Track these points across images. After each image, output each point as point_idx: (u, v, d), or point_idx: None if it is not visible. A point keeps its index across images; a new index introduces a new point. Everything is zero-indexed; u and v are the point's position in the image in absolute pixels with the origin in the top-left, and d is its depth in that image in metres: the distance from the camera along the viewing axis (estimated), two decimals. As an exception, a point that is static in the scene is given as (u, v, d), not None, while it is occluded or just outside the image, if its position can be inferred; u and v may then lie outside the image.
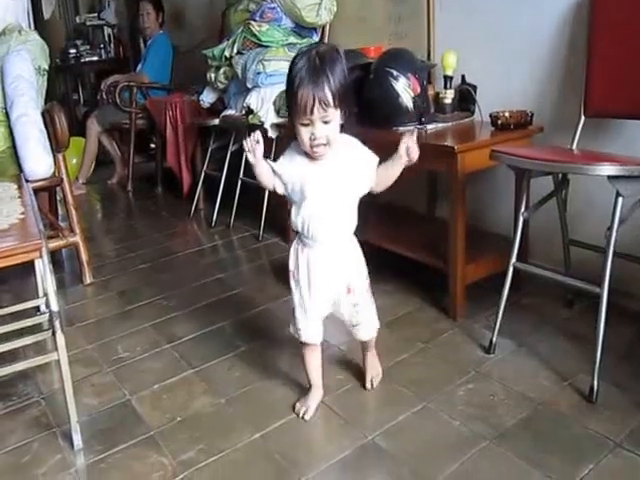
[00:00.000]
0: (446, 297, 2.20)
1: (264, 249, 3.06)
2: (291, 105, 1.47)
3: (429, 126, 2.28)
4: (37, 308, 2.27)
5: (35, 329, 1.96)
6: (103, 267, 3.01)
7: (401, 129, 2.29)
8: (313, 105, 1.41)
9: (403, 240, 2.41)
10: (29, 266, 2.39)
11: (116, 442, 1.68)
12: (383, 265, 2.48)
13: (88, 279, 2.84)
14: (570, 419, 1.63)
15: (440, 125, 2.31)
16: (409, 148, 1.50)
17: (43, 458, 1.65)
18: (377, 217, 2.66)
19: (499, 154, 1.79)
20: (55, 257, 2.97)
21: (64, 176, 2.79)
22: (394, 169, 1.55)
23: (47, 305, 2.03)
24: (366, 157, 1.56)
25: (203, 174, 3.65)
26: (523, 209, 1.88)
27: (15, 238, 1.63)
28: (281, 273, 2.65)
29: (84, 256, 2.83)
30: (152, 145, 4.73)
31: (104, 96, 4.58)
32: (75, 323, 2.42)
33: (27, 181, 2.46)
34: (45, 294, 2.16)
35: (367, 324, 1.71)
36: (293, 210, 1.60)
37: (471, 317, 2.16)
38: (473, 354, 1.96)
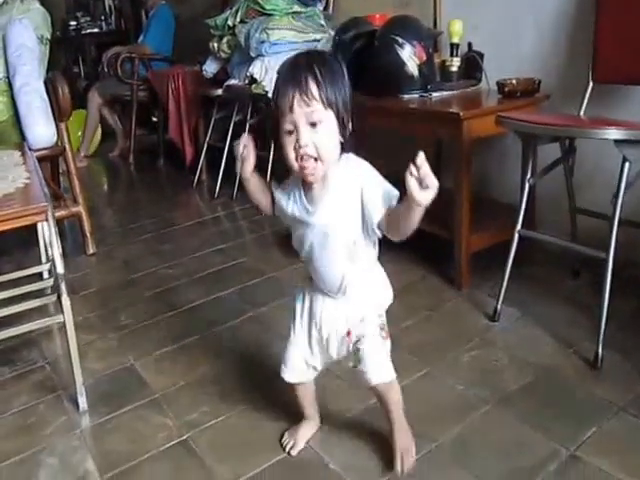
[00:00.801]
0: (451, 267, 2.20)
1: (268, 220, 3.04)
2: (274, 117, 1.17)
3: (434, 94, 2.26)
4: (40, 275, 2.27)
5: (39, 294, 1.97)
6: (106, 238, 3.01)
7: (406, 97, 2.27)
8: (292, 99, 1.11)
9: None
10: (31, 237, 2.40)
11: (121, 404, 1.68)
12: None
13: (91, 249, 2.84)
14: (574, 385, 1.63)
15: (446, 93, 2.28)
16: (422, 178, 1.10)
17: (49, 419, 1.66)
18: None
19: (505, 120, 1.78)
20: (58, 228, 2.97)
21: (67, 145, 2.78)
22: (409, 215, 1.16)
23: (51, 271, 2.04)
24: (373, 182, 1.20)
25: (206, 145, 3.64)
26: (529, 176, 1.87)
27: (21, 201, 1.63)
28: (285, 244, 2.65)
29: (87, 226, 2.83)
30: (154, 118, 4.70)
31: (105, 68, 4.55)
32: (79, 292, 2.42)
33: (30, 150, 2.45)
34: (49, 260, 2.17)
35: (372, 366, 1.31)
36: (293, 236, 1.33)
37: (476, 286, 2.15)
38: (478, 322, 1.96)
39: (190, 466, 1.45)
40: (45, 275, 2.26)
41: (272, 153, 3.01)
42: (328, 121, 1.14)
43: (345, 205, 1.20)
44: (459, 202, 2.07)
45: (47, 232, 2.20)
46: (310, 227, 1.24)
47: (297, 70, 1.14)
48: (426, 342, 1.86)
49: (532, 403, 1.57)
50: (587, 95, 2.01)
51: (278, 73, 1.18)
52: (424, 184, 1.10)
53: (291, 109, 1.12)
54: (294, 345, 1.37)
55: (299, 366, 1.38)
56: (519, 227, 1.89)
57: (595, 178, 2.13)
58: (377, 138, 3.03)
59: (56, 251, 1.64)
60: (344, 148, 1.20)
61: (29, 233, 2.40)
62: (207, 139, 3.62)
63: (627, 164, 1.62)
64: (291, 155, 1.15)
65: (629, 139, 1.56)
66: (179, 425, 1.59)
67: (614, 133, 1.56)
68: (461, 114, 1.96)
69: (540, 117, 1.82)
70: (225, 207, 3.31)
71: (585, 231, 2.08)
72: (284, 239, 2.71)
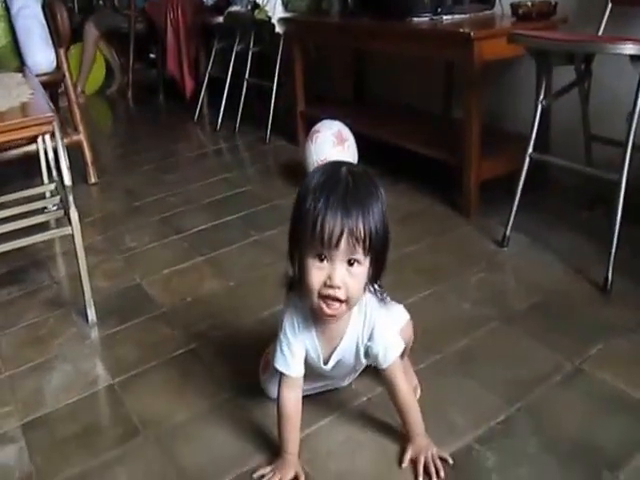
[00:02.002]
0: (459, 195, 2.17)
1: (271, 151, 3.02)
2: (301, 230, 1.01)
3: (445, 17, 2.22)
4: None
5: (42, 213, 1.96)
6: (107, 168, 2.99)
7: (416, 20, 2.23)
8: (340, 235, 0.98)
9: (418, 138, 2.37)
10: (33, 168, 2.39)
11: (128, 318, 1.70)
12: (397, 164, 2.48)
13: (93, 179, 2.81)
14: (582, 306, 1.63)
15: (457, 16, 2.24)
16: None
17: (59, 331, 1.67)
18: (393, 117, 2.63)
19: (518, 36, 1.74)
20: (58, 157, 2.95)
21: (66, 72, 2.73)
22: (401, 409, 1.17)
23: (54, 192, 2.04)
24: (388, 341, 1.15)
25: (207, 77, 3.57)
26: (542, 97, 1.83)
27: (27, 112, 1.62)
28: (289, 174, 2.64)
29: (88, 155, 2.80)
30: (152, 55, 4.61)
31: (101, 0, 4.44)
32: (83, 219, 2.37)
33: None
34: (52, 181, 2.15)
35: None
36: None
37: (485, 214, 2.13)
38: (486, 247, 1.95)
39: (198, 372, 1.47)
40: (48, 196, 2.24)
41: (275, 85, 2.98)
42: (365, 263, 1.03)
43: (356, 348, 1.16)
44: (469, 126, 2.04)
45: (50, 151, 2.21)
46: (318, 370, 1.19)
47: (349, 202, 0.99)
48: (432, 265, 1.86)
49: (539, 321, 1.57)
50: (605, 17, 1.95)
51: (313, 177, 1.03)
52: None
53: (337, 243, 0.98)
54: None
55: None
56: (530, 150, 1.86)
57: (611, 106, 2.06)
58: (385, 65, 3.00)
59: (63, 163, 1.63)
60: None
61: (31, 164, 2.40)
62: (208, 71, 3.55)
63: None
64: (315, 286, 1.01)
65: (646, 55, 1.53)
66: (186, 336, 1.60)
67: (631, 48, 1.53)
68: (472, 34, 1.93)
69: (555, 34, 1.79)
70: (227, 139, 3.28)
71: (600, 160, 2.03)
72: (287, 169, 2.71)
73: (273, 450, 1.21)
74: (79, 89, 4.42)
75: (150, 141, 3.41)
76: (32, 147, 2.53)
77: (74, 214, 1.62)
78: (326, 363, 1.17)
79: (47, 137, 2.06)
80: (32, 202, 1.97)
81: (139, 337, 1.62)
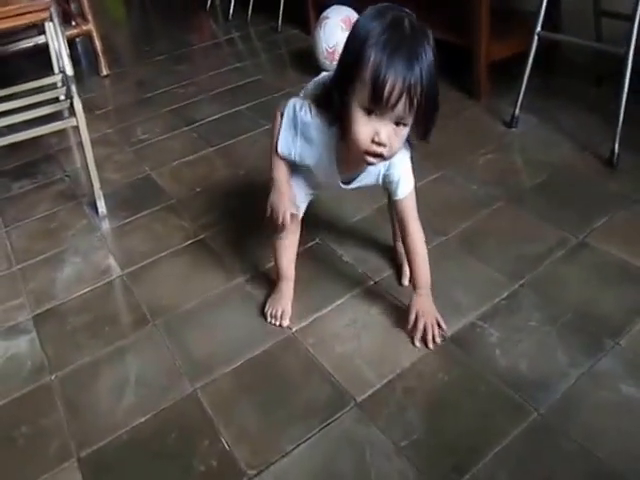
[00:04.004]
0: (469, 78, 2.12)
1: (283, 40, 2.92)
2: (357, 76, 0.96)
3: None
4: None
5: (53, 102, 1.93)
6: (118, 59, 2.93)
7: None
8: (401, 94, 0.94)
9: (428, 21, 2.23)
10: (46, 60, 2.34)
11: (138, 209, 1.72)
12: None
13: (104, 70, 2.77)
14: (589, 180, 1.63)
15: None
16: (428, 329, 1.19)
17: (70, 223, 1.70)
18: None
19: None
20: (69, 50, 2.88)
21: (72, -44, 2.61)
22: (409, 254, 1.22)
23: (64, 81, 1.98)
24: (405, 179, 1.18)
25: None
26: None
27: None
28: (301, 62, 2.55)
29: (99, 46, 2.74)
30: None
31: None
32: (94, 111, 2.38)
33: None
34: (61, 71, 2.10)
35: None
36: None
37: (495, 96, 2.09)
38: (495, 128, 1.93)
39: (207, 261, 1.49)
40: (59, 86, 2.20)
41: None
42: (409, 124, 1.01)
43: (377, 176, 1.17)
44: (478, 6, 1.96)
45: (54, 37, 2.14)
46: (332, 187, 1.20)
47: (411, 54, 0.94)
48: (441, 148, 1.82)
49: (545, 199, 1.57)
50: None
51: (371, 20, 0.97)
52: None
53: (396, 102, 0.95)
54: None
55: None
56: (539, 28, 1.81)
57: None
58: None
59: (64, 52, 1.60)
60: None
61: (44, 58, 2.37)
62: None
63: None
64: (362, 140, 1.00)
65: None
66: (196, 226, 1.62)
67: None
68: None
69: None
70: (239, 29, 3.16)
71: (610, 37, 1.98)
72: (299, 58, 2.61)
73: (282, 334, 1.24)
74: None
75: (162, 31, 3.31)
76: (42, 39, 2.47)
77: (78, 104, 1.60)
78: (347, 183, 1.19)
79: (52, 27, 1.98)
80: (42, 93, 1.93)
81: (149, 228, 1.64)
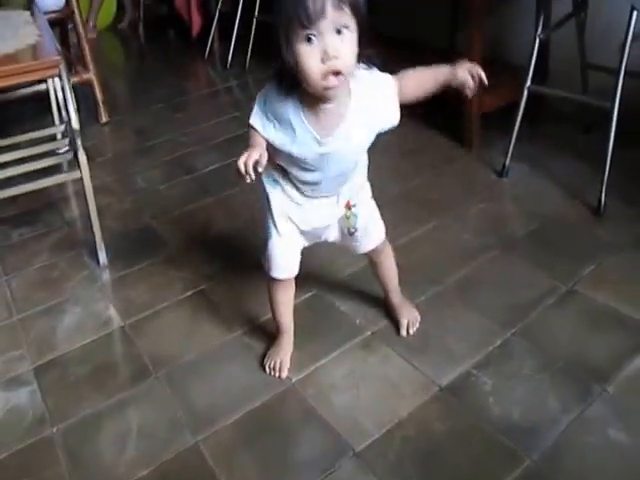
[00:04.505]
0: (461, 127, 2.19)
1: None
2: (281, 17, 0.96)
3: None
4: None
5: (54, 155, 1.97)
6: (118, 107, 2.98)
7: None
8: (324, 2, 0.92)
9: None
10: (44, 109, 2.41)
11: (139, 259, 1.74)
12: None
13: (104, 118, 2.82)
14: (577, 229, 1.70)
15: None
16: (474, 76, 1.13)
17: (71, 273, 1.72)
18: (396, 50, 2.56)
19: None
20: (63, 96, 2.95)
21: (75, 9, 2.69)
22: (431, 86, 1.15)
23: (65, 133, 2.04)
24: (385, 82, 1.10)
25: (217, 14, 3.49)
26: (540, 30, 1.86)
27: (34, 55, 1.65)
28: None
29: (99, 94, 2.79)
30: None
31: None
32: (94, 158, 2.42)
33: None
34: (63, 122, 2.16)
35: (370, 230, 1.28)
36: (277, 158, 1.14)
37: (486, 146, 2.16)
38: (487, 178, 1.99)
39: (207, 312, 1.52)
40: (59, 137, 2.25)
41: None
42: (352, 27, 0.96)
43: (363, 122, 1.08)
44: (470, 59, 1.99)
45: (60, 91, 2.20)
46: (317, 155, 1.08)
47: None
48: (435, 197, 1.90)
49: (536, 247, 1.63)
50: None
51: None
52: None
53: (322, 12, 0.92)
54: (281, 244, 1.23)
55: (291, 261, 1.26)
56: (529, 83, 1.90)
57: (607, 35, 2.08)
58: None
59: (71, 106, 1.65)
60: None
61: (42, 104, 2.42)
62: (218, 7, 3.47)
63: (635, 14, 1.63)
64: (314, 70, 0.95)
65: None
66: (196, 277, 1.65)
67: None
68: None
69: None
70: (238, 77, 3.24)
71: (596, 88, 2.07)
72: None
73: (282, 386, 1.27)
74: (90, 24, 4.34)
75: (161, 78, 3.38)
76: (42, 86, 2.53)
77: (82, 157, 1.64)
78: (324, 146, 1.07)
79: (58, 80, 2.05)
80: (44, 143, 1.98)
81: (149, 279, 1.67)
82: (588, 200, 1.78)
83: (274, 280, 1.27)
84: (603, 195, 1.72)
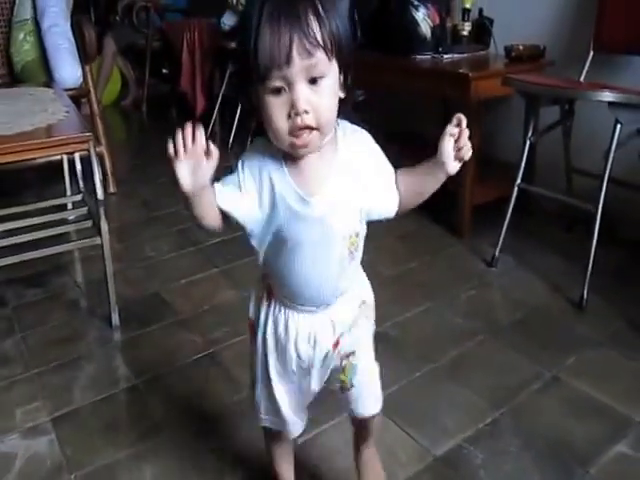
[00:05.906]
0: (453, 217, 2.38)
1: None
2: (249, 66, 0.79)
3: (445, 56, 2.40)
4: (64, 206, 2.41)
5: (66, 223, 2.13)
6: (124, 179, 3.13)
7: (418, 57, 2.41)
8: (291, 45, 0.76)
9: (416, 162, 2.53)
10: (50, 174, 2.56)
11: (149, 323, 1.86)
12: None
13: (112, 189, 2.98)
14: (560, 321, 1.84)
15: (456, 56, 2.43)
16: (459, 146, 0.92)
17: (83, 334, 1.83)
18: (391, 143, 2.78)
19: (512, 80, 1.94)
20: (81, 167, 3.11)
21: (91, 88, 2.90)
22: (428, 186, 0.97)
23: (75, 203, 2.19)
24: (383, 161, 0.95)
25: (220, 97, 3.73)
26: (530, 134, 2.04)
27: (66, 131, 1.79)
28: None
29: (108, 166, 2.96)
30: (164, 70, 4.79)
31: (119, 17, 4.62)
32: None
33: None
34: (80, 191, 2.33)
35: (368, 391, 1.07)
36: (260, 253, 0.97)
37: (476, 236, 2.34)
38: (477, 267, 2.16)
39: (216, 375, 1.63)
40: (69, 207, 2.41)
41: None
42: (331, 74, 0.81)
43: (352, 188, 0.90)
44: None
45: (78, 162, 2.37)
46: (301, 221, 0.89)
47: (293, 5, 0.78)
48: (428, 281, 2.05)
49: (522, 334, 1.77)
50: (588, 63, 2.17)
51: (250, 3, 0.81)
52: (461, 153, 0.92)
53: (288, 60, 0.77)
54: (276, 390, 1.06)
55: (287, 414, 1.08)
56: (519, 181, 2.07)
57: (591, 141, 2.27)
58: (382, 99, 3.15)
59: (97, 178, 1.78)
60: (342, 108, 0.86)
61: (50, 170, 2.56)
62: (222, 91, 3.71)
63: (619, 126, 1.79)
64: (281, 125, 0.81)
65: (621, 102, 1.73)
66: (204, 341, 1.77)
67: (608, 96, 1.73)
68: (470, 75, 2.12)
69: (543, 79, 1.99)
70: (238, 156, 3.40)
71: (579, 190, 2.25)
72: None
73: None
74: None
75: (163, 154, 3.53)
76: (57, 156, 2.70)
77: (104, 225, 1.78)
78: (308, 206, 0.88)
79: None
80: (54, 213, 2.14)
81: (160, 341, 1.78)
82: (570, 295, 1.93)
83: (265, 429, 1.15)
84: (585, 292, 1.86)
